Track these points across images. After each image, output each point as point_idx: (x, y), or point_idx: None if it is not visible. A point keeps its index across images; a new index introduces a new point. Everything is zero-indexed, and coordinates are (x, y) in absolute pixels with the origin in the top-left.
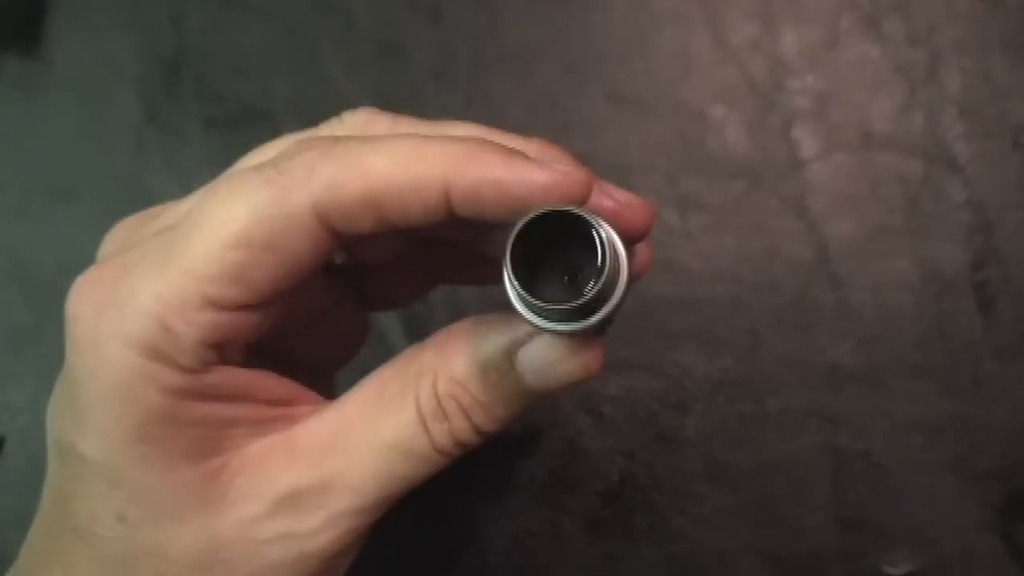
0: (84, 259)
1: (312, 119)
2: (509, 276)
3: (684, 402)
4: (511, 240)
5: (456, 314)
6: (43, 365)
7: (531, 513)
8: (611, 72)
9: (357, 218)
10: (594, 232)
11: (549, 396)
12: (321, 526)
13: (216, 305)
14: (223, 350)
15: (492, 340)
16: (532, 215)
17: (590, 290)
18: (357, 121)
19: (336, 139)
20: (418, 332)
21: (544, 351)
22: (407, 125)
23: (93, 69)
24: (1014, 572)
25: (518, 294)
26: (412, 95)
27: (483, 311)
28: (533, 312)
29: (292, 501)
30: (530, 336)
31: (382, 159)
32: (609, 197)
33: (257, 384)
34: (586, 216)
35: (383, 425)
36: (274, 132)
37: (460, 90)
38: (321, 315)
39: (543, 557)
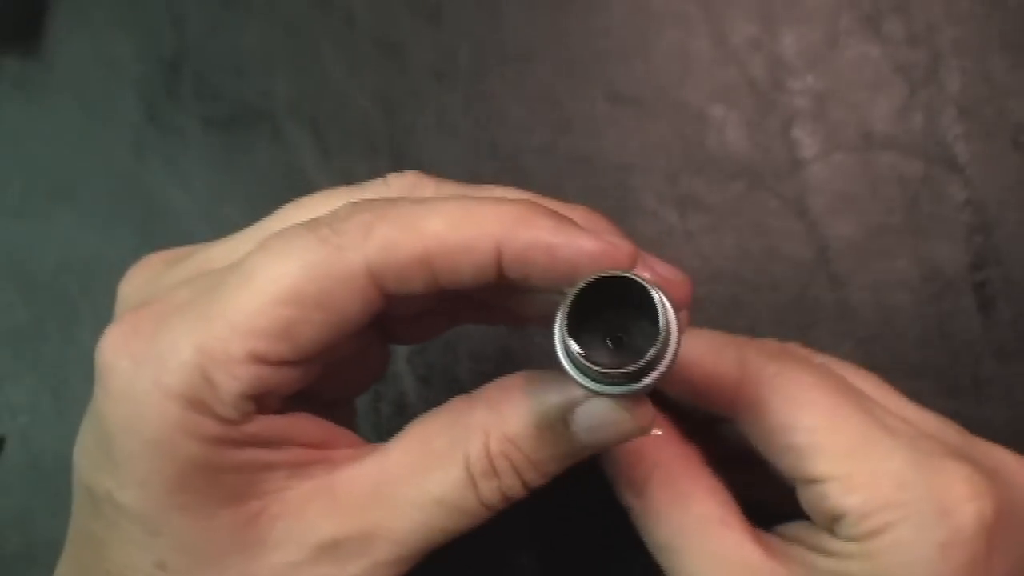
0: (84, 259)
1: (312, 119)
2: (565, 341)
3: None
4: (568, 304)
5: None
6: (43, 365)
7: (532, 513)
8: (611, 72)
9: (410, 279)
10: (653, 295)
11: (599, 451)
12: (361, 574)
13: (260, 360)
14: (262, 401)
15: (548, 400)
16: (591, 278)
17: (651, 354)
18: (404, 184)
19: (390, 201)
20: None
21: (602, 412)
22: (452, 188)
23: (93, 69)
24: None
25: (573, 360)
26: (412, 95)
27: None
28: (586, 376)
29: (333, 549)
30: (587, 397)
31: (437, 220)
32: (652, 270)
33: (294, 429)
34: (643, 281)
35: (430, 480)
36: (274, 132)
37: (460, 90)
38: (350, 354)
39: (544, 557)
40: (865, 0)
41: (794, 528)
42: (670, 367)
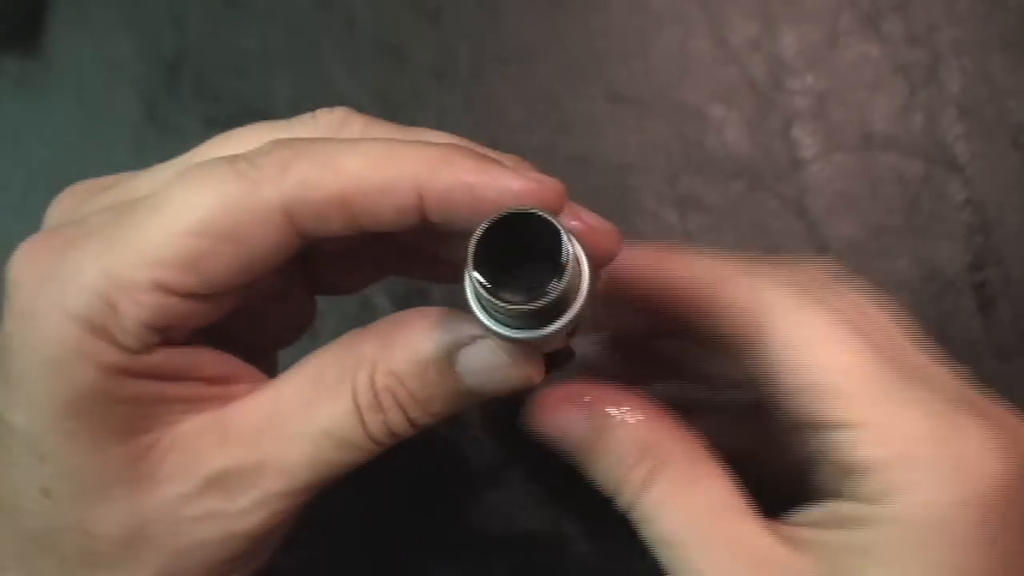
0: None
1: None
2: (470, 273)
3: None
4: (476, 237)
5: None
6: None
7: (531, 513)
8: (611, 72)
9: (327, 219)
10: (557, 228)
11: (487, 398)
12: (250, 507)
13: (166, 290)
14: (166, 333)
15: (435, 338)
16: (498, 214)
17: (550, 292)
18: (332, 120)
19: (312, 140)
20: None
21: (485, 356)
22: (382, 129)
23: (93, 69)
24: None
25: (477, 292)
26: (412, 95)
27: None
28: (489, 313)
29: (222, 481)
30: (473, 339)
31: (356, 160)
32: (578, 217)
33: (196, 362)
34: (549, 217)
35: (319, 412)
36: None
37: (460, 90)
38: (269, 298)
39: (544, 557)
40: (865, 0)
41: (804, 513)
42: (574, 321)
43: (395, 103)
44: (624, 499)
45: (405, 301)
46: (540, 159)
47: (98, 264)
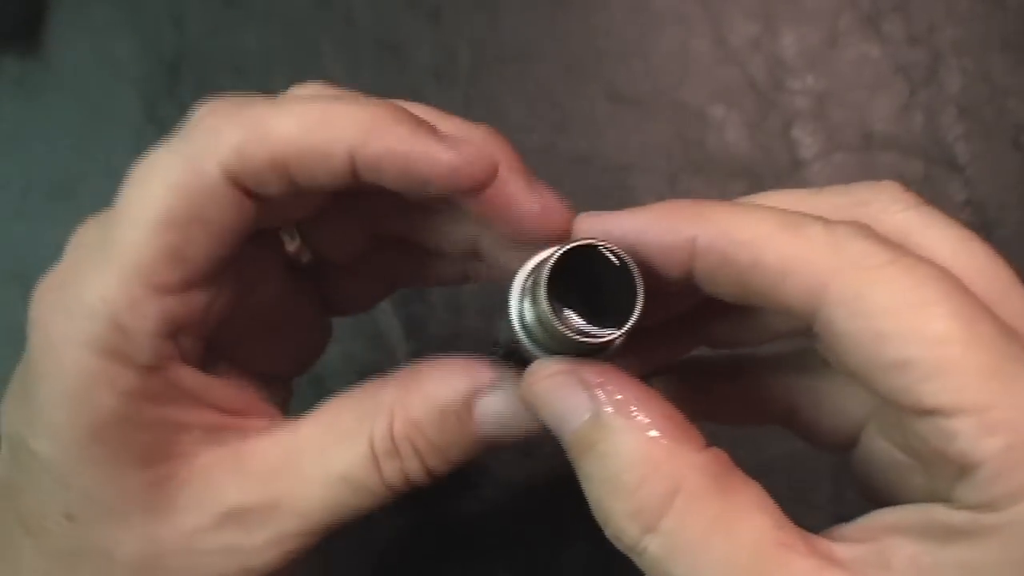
0: None
1: None
2: (540, 302)
3: None
4: (546, 273)
5: (456, 314)
6: None
7: (532, 513)
8: (611, 72)
9: (266, 182)
10: (634, 274)
11: (504, 446)
12: (265, 544)
13: (160, 290)
14: (178, 341)
15: (453, 386)
16: (563, 247)
17: (632, 323)
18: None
19: (243, 102)
20: (418, 332)
21: (503, 404)
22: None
23: (93, 69)
24: None
25: (541, 318)
26: (412, 95)
27: (483, 311)
28: (533, 338)
29: (238, 517)
30: (492, 387)
31: (287, 123)
32: (532, 196)
33: (212, 389)
34: (618, 253)
35: (336, 456)
36: None
37: (460, 90)
38: (282, 316)
39: (545, 556)
40: (865, 0)
41: (876, 521)
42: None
43: None
44: (625, 534)
45: (404, 307)
46: (540, 159)
47: (95, 292)
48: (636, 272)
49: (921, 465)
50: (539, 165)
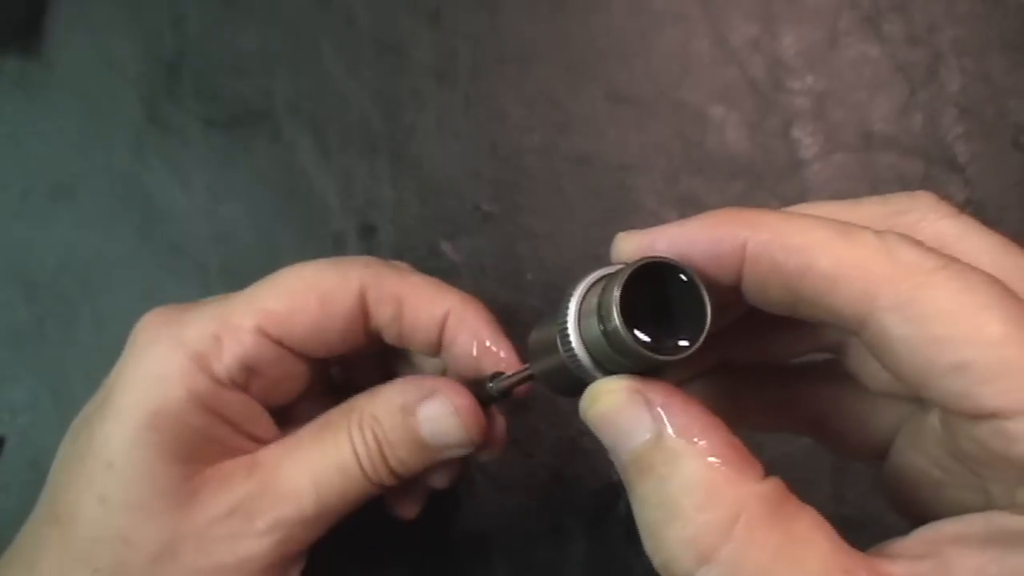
0: (84, 259)
1: (312, 119)
2: (615, 317)
3: None
4: (618, 292)
5: None
6: (43, 365)
7: (531, 513)
8: (611, 72)
9: (381, 313)
10: (701, 290)
11: (443, 457)
12: (265, 529)
13: (264, 334)
14: (249, 379)
15: (404, 392)
16: (637, 264)
17: (701, 340)
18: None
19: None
20: None
21: (439, 406)
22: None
23: (93, 69)
24: None
25: (611, 335)
26: (412, 95)
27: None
28: (603, 360)
29: (245, 505)
30: (432, 393)
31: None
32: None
33: (251, 416)
34: (687, 269)
35: (325, 447)
36: (274, 132)
37: (460, 90)
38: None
39: (544, 556)
40: (865, 0)
41: (935, 534)
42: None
43: (395, 103)
44: (678, 563)
45: None
46: (540, 159)
47: (215, 312)
48: (703, 287)
49: (977, 471)
50: (539, 165)
